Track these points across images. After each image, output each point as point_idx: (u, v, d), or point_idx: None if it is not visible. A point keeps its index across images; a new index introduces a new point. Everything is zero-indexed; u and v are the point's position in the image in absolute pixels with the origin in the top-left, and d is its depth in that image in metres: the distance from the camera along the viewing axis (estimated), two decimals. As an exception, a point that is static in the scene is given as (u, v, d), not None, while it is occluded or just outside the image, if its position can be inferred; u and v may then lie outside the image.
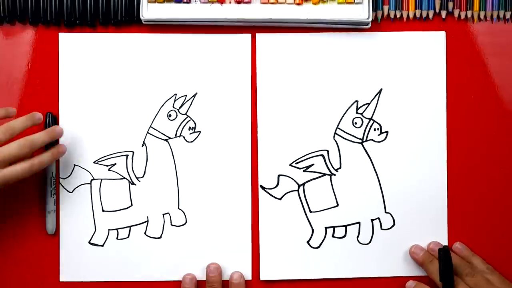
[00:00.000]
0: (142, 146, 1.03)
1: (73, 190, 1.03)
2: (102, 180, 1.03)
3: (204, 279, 1.03)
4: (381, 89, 1.04)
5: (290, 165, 1.03)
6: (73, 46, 1.04)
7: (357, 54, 1.04)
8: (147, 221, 1.03)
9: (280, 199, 1.03)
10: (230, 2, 1.02)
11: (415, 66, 1.04)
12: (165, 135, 1.03)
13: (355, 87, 1.04)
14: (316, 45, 1.04)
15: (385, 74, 1.04)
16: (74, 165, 1.03)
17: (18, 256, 1.04)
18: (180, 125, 1.03)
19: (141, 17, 1.01)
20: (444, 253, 0.98)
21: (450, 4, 1.05)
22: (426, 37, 1.04)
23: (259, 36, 1.04)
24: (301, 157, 1.04)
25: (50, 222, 1.03)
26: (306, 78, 1.04)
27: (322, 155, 1.03)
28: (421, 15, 1.05)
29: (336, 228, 1.03)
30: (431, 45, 1.04)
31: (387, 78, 1.04)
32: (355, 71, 1.04)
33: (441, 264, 0.98)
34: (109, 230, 1.03)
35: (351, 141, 1.03)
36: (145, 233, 1.03)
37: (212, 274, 1.02)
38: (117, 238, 1.03)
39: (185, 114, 1.03)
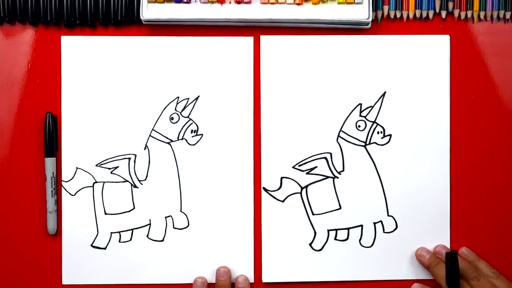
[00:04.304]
0: (144, 149, 1.00)
1: (75, 193, 1.00)
2: (105, 183, 1.00)
3: (209, 281, 1.01)
4: (385, 92, 1.00)
5: (293, 167, 1.00)
6: (76, 49, 1.00)
7: (361, 57, 1.01)
8: (150, 224, 1.00)
9: (283, 201, 1.00)
10: (230, 2, 0.99)
11: (419, 69, 1.01)
12: (167, 138, 1.00)
13: (359, 90, 1.01)
14: (319, 48, 1.01)
15: (389, 77, 1.01)
16: (77, 168, 1.00)
17: (20, 257, 1.01)
18: (182, 128, 1.00)
19: (141, 17, 0.98)
20: (451, 257, 0.96)
21: (450, 4, 1.01)
22: (430, 41, 1.01)
23: (263, 38, 1.01)
24: (304, 160, 1.00)
25: (51, 222, 0.99)
26: (310, 80, 1.01)
27: (325, 158, 1.00)
28: (421, 15, 1.01)
29: (338, 231, 1.01)
30: (435, 49, 1.01)
31: (391, 81, 1.01)
32: (359, 74, 1.01)
33: (448, 268, 0.96)
34: (111, 233, 1.00)
35: (354, 144, 1.00)
36: (147, 236, 1.00)
37: (222, 277, 0.99)
38: (119, 241, 1.00)
39: (188, 117, 1.00)
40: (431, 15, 1.02)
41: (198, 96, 1.01)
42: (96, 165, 1.00)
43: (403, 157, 1.01)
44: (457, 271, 0.95)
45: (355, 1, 0.99)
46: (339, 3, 0.99)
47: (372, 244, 1.01)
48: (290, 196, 1.01)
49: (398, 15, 1.02)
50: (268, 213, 1.01)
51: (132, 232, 1.01)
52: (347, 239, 1.01)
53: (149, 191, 1.01)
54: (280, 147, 1.01)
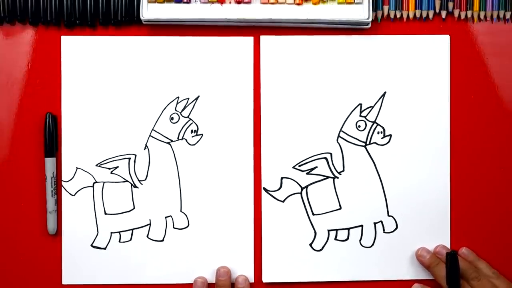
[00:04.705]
0: (144, 149, 1.00)
1: (75, 193, 1.00)
2: (105, 183, 1.00)
3: (209, 281, 1.00)
4: (385, 92, 1.00)
5: (293, 167, 1.00)
6: (76, 49, 1.00)
7: (361, 57, 1.01)
8: (150, 224, 1.00)
9: (283, 201, 1.00)
10: (230, 2, 0.99)
11: (419, 69, 1.01)
12: (167, 138, 1.00)
13: (359, 90, 1.00)
14: (319, 48, 1.00)
15: (389, 77, 1.00)
16: (77, 168, 1.00)
17: (20, 257, 1.01)
18: (182, 128, 1.00)
19: (141, 17, 0.97)
20: (451, 257, 0.95)
21: (450, 4, 1.01)
22: (430, 41, 1.01)
23: (263, 38, 1.00)
24: (304, 160, 1.00)
25: (51, 222, 0.99)
26: (310, 81, 1.00)
27: (326, 158, 1.00)
28: (421, 15, 1.01)
29: (338, 231, 1.00)
30: (435, 49, 1.01)
31: (391, 81, 1.00)
32: (359, 74, 1.00)
33: (449, 268, 0.96)
34: (111, 233, 1.00)
35: (355, 144, 1.00)
36: (147, 236, 1.00)
37: (222, 277, 0.98)
38: (119, 241, 1.00)
39: (188, 117, 1.00)
40: (431, 15, 1.02)
41: (198, 96, 1.00)
42: (96, 165, 1.00)
43: (403, 157, 1.00)
44: (457, 271, 0.95)
45: (355, 1, 0.98)
46: (339, 3, 0.99)
47: (372, 244, 1.01)
48: (290, 196, 1.00)
49: (398, 15, 1.02)
50: (268, 213, 1.00)
51: (132, 232, 1.00)
52: (347, 239, 1.01)
53: (149, 191, 1.00)
54: (280, 147, 1.00)
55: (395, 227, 1.01)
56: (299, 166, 1.00)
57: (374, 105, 1.00)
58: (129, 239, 1.00)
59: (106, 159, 1.00)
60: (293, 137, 1.00)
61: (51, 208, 0.99)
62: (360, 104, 1.00)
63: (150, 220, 1.00)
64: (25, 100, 1.01)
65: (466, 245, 1.01)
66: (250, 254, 1.01)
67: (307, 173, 1.00)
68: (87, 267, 1.00)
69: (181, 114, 1.00)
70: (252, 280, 1.01)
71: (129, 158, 1.00)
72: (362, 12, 0.99)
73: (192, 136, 1.00)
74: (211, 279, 1.00)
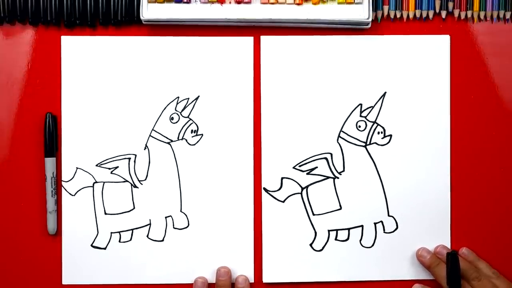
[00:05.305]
0: (144, 149, 1.00)
1: (75, 193, 0.99)
2: (105, 183, 1.00)
3: (209, 281, 1.00)
4: (385, 92, 1.00)
5: (294, 167, 1.00)
6: (76, 49, 1.00)
7: (361, 57, 1.00)
8: (150, 224, 1.00)
9: (283, 201, 1.00)
10: (230, 2, 0.98)
11: (419, 69, 1.00)
12: (167, 138, 1.00)
13: (359, 90, 1.00)
14: (319, 48, 1.00)
15: (389, 77, 1.00)
16: (77, 168, 0.99)
17: (20, 257, 1.00)
18: (182, 128, 1.00)
19: (141, 17, 0.97)
20: (452, 258, 0.95)
21: (450, 4, 1.01)
22: (430, 41, 1.01)
23: (263, 38, 1.00)
24: (304, 160, 1.00)
25: (51, 222, 0.99)
26: (310, 81, 1.00)
27: (326, 158, 1.00)
28: (421, 15, 1.01)
29: (339, 231, 1.00)
30: (435, 49, 1.01)
31: (391, 81, 1.00)
32: (359, 74, 1.00)
33: (449, 268, 0.95)
34: (111, 233, 1.00)
35: (355, 144, 1.00)
36: (147, 236, 1.00)
37: (222, 278, 0.98)
38: (119, 241, 1.00)
39: (188, 117, 1.00)
40: (431, 15, 1.01)
41: (198, 96, 1.00)
42: (96, 165, 1.00)
43: (403, 157, 1.00)
44: (458, 271, 0.95)
45: (355, 1, 0.98)
46: (339, 3, 0.99)
47: (373, 245, 1.00)
48: (291, 197, 1.00)
49: (398, 15, 1.01)
50: (269, 213, 1.00)
51: (132, 232, 1.00)
52: (347, 239, 1.00)
53: (149, 191, 1.00)
54: (281, 147, 1.00)
55: (395, 227, 1.00)
56: (299, 166, 1.00)
57: (374, 105, 1.00)
58: (129, 239, 1.00)
59: (106, 159, 1.00)
60: (293, 137, 1.00)
61: (51, 208, 0.99)
62: (360, 104, 1.00)
63: (150, 220, 1.00)
64: (25, 100, 1.00)
65: (466, 245, 1.01)
66: (250, 254, 1.00)
67: (307, 173, 1.00)
68: (87, 267, 1.00)
69: (181, 114, 1.00)
70: (252, 280, 1.00)
71: (129, 158, 1.00)
72: (362, 12, 0.98)
73: (192, 136, 1.00)
74: (211, 279, 1.00)
